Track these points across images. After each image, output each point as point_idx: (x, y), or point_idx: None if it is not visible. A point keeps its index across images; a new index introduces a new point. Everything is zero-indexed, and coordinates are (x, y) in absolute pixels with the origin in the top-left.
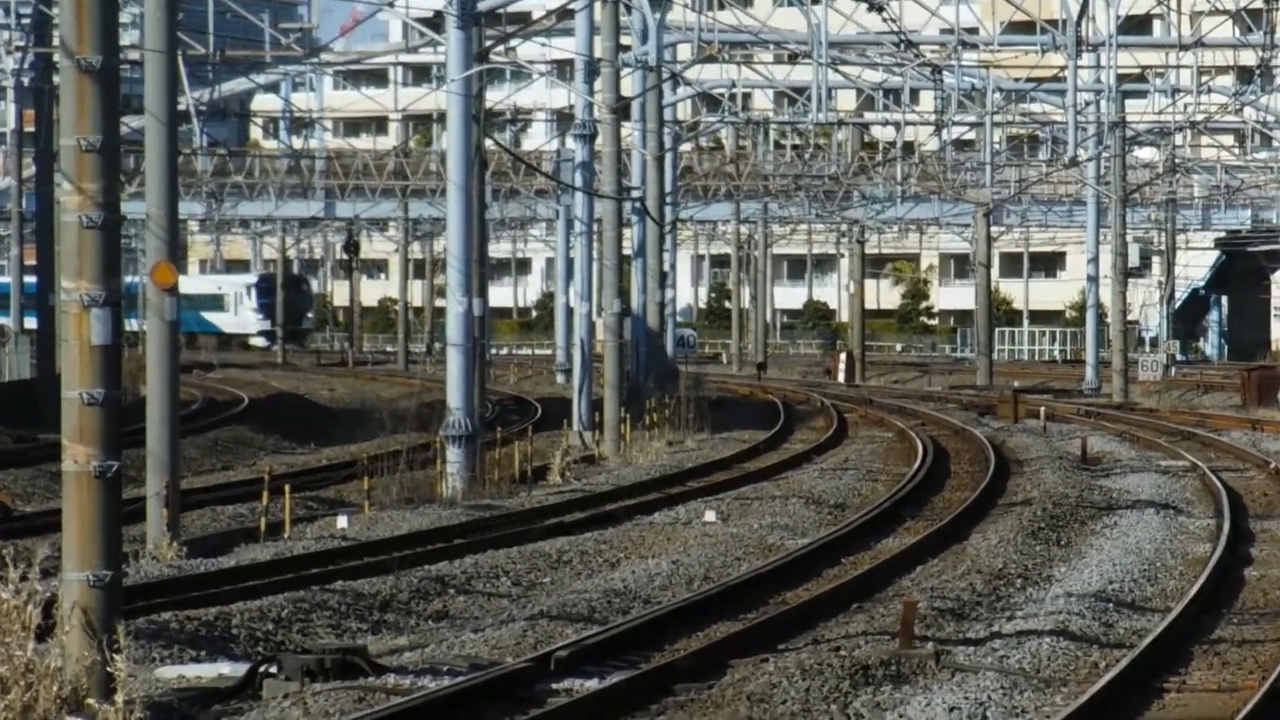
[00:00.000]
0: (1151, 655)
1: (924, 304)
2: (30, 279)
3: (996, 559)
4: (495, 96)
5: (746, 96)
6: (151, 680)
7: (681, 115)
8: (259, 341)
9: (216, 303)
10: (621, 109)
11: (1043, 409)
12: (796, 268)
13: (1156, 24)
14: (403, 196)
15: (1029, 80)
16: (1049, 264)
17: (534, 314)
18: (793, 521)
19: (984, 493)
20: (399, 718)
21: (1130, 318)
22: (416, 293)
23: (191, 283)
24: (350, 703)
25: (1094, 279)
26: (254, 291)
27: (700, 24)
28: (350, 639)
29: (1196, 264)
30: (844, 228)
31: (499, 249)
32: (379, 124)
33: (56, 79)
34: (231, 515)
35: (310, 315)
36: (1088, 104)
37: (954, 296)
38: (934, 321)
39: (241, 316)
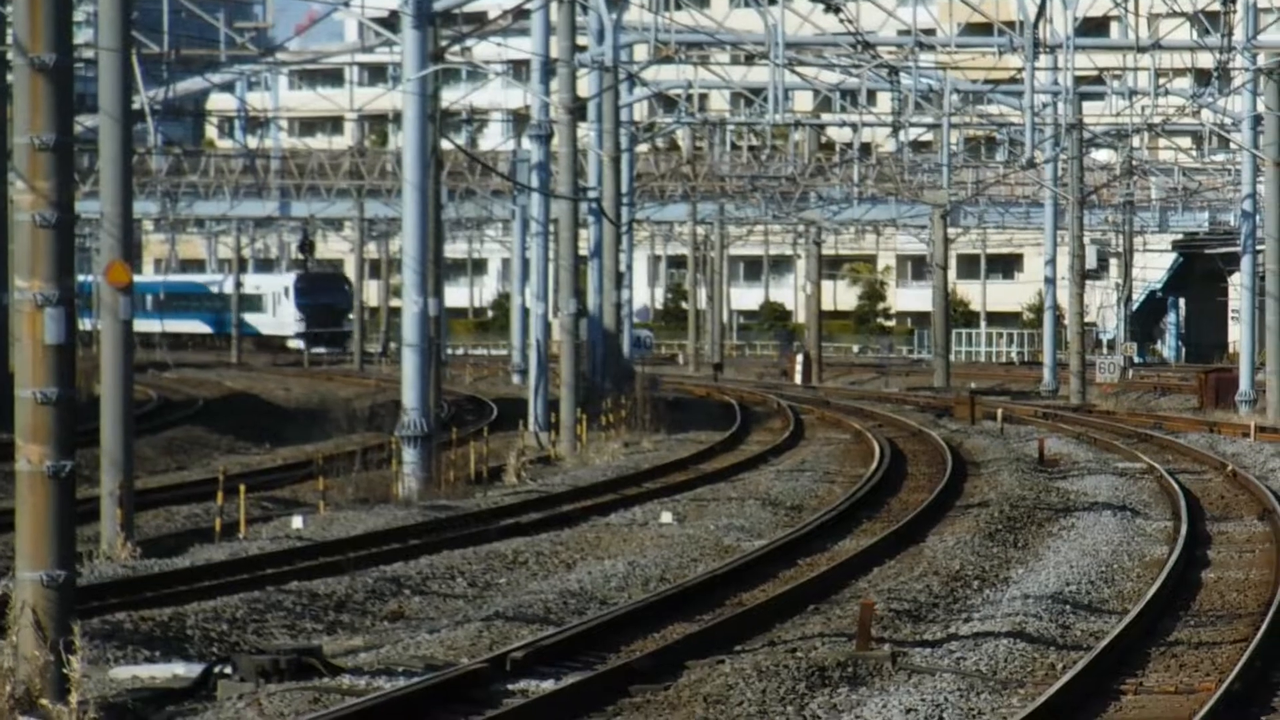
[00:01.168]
0: (1109, 657)
1: (881, 305)
2: None
3: (953, 561)
4: (451, 96)
5: (703, 97)
6: (105, 681)
7: (638, 116)
8: (297, 344)
9: (254, 303)
10: (578, 109)
11: (1000, 411)
12: (753, 268)
13: (1114, 26)
14: (358, 196)
15: (986, 82)
16: (1006, 265)
17: (490, 314)
18: (749, 523)
19: (941, 494)
20: (354, 718)
21: (1088, 320)
22: (372, 293)
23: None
24: (305, 703)
25: (1051, 281)
26: (293, 291)
27: (657, 24)
28: (305, 639)
29: (1154, 266)
30: (801, 228)
31: (455, 249)
32: (334, 124)
33: (10, 77)
34: (186, 515)
35: (351, 317)
36: (1045, 106)
37: (911, 298)
38: (891, 323)
39: (280, 317)
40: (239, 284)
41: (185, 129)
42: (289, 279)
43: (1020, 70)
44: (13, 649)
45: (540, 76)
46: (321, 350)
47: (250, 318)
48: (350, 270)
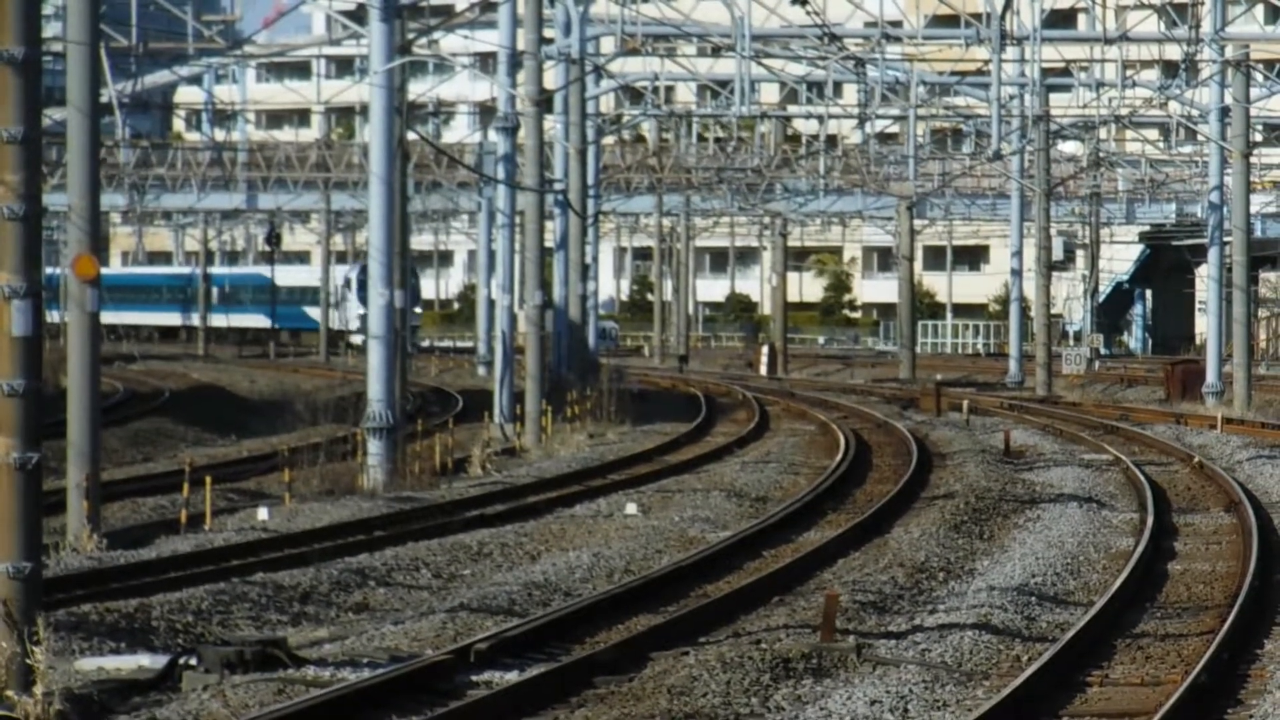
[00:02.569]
0: (1074, 649)
1: (847, 297)
2: None
3: (919, 552)
4: (418, 89)
5: (669, 89)
6: (71, 672)
7: (604, 108)
8: (361, 340)
9: (314, 297)
10: (544, 102)
11: (965, 402)
12: (719, 260)
13: (1081, 18)
14: (325, 189)
15: (953, 74)
16: (972, 257)
17: (456, 306)
18: (714, 514)
19: (906, 486)
20: (318, 710)
21: (1054, 311)
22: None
23: (292, 274)
24: (270, 695)
25: (1017, 272)
26: (355, 284)
27: (623, 16)
28: (270, 631)
29: (1120, 258)
30: (766, 220)
31: (421, 241)
32: (301, 116)
33: None
34: (152, 507)
35: (418, 310)
36: (1012, 98)
37: (877, 289)
38: (857, 314)
39: (344, 311)
40: (206, 275)
41: (153, 122)
42: (352, 270)
43: (987, 62)
44: None
45: (507, 69)
46: None
47: (312, 312)
48: (317, 262)
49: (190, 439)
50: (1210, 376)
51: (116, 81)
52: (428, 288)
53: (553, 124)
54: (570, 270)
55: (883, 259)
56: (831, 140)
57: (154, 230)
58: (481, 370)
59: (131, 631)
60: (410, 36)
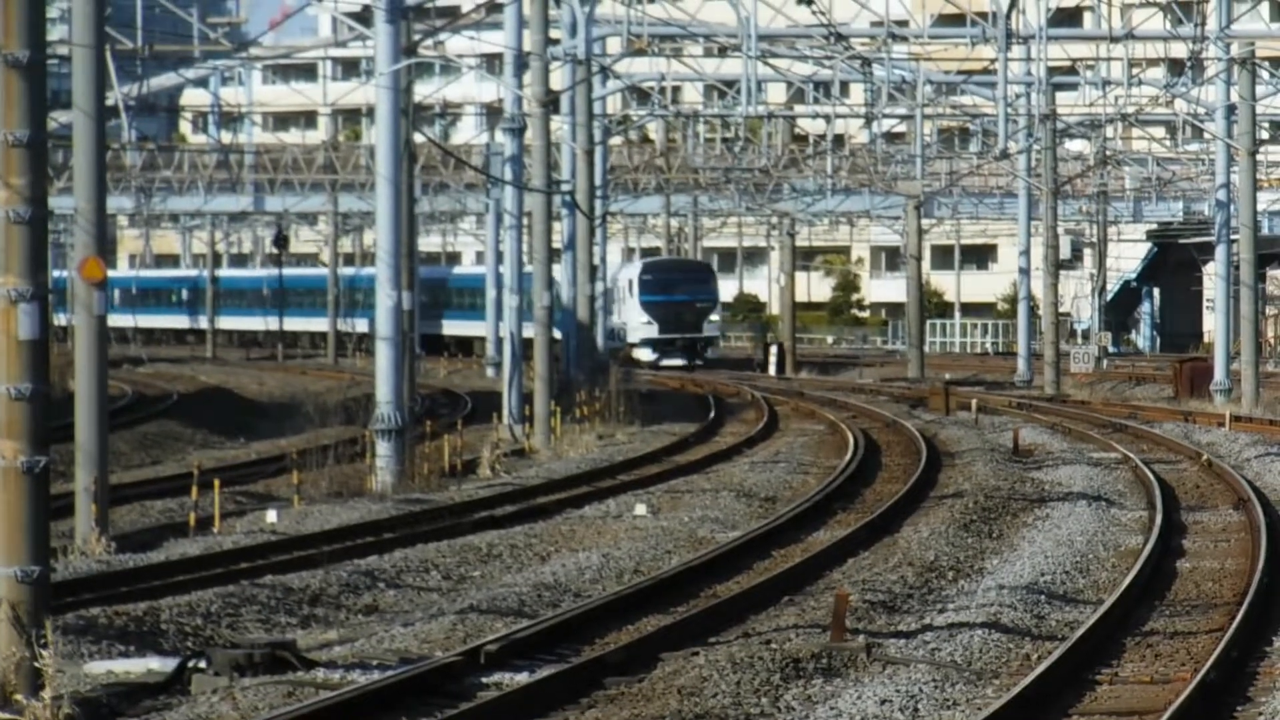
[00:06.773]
0: (1084, 647)
1: (855, 296)
2: None
3: (928, 551)
4: (424, 90)
5: (676, 90)
6: (80, 676)
7: (611, 109)
8: (644, 354)
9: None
10: (551, 102)
11: (974, 401)
12: (727, 260)
13: (1087, 16)
14: (332, 190)
15: (959, 73)
16: (980, 256)
17: None
18: (723, 514)
19: (915, 485)
20: (328, 712)
21: (1062, 310)
22: None
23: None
24: (279, 697)
25: (1025, 271)
26: (637, 285)
27: (629, 17)
28: (280, 633)
29: (1128, 256)
30: (774, 220)
31: (429, 242)
32: (308, 118)
33: None
34: (161, 510)
35: (715, 319)
36: (1018, 96)
37: (885, 289)
38: (865, 314)
39: (623, 319)
40: (214, 278)
41: (159, 124)
42: (633, 270)
43: (993, 61)
44: None
45: (513, 70)
46: (678, 363)
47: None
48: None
49: (198, 442)
50: (1218, 374)
51: (122, 84)
52: None
53: (560, 125)
54: (578, 271)
55: (891, 258)
56: (838, 140)
57: (161, 233)
58: (490, 372)
59: (140, 635)
60: (416, 38)
